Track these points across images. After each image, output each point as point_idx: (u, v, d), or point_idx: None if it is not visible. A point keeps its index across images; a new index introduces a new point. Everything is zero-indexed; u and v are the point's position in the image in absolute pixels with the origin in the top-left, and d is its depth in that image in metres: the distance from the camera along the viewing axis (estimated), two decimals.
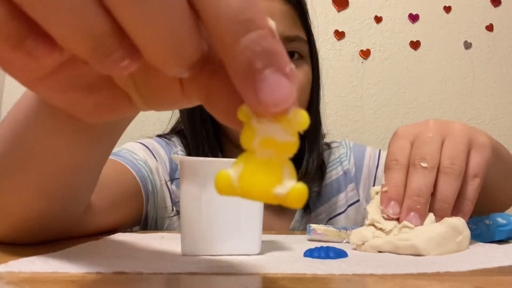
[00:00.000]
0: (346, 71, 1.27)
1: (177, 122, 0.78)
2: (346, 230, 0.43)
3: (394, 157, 0.40)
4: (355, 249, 0.38)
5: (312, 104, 0.67)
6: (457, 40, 1.30)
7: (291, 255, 0.34)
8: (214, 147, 0.65)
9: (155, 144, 0.67)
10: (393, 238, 0.36)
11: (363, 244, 0.38)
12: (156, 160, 0.63)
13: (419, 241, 0.35)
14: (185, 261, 0.30)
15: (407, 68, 1.28)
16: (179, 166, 0.34)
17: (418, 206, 0.37)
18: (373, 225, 0.39)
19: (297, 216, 0.67)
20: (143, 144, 0.65)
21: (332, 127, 1.25)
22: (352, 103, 1.26)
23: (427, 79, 1.28)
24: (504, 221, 0.41)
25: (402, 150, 0.40)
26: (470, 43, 1.30)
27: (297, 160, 0.66)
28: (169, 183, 0.64)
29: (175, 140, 0.72)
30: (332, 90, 1.26)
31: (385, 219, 0.38)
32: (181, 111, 0.72)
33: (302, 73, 0.63)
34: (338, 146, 0.77)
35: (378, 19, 1.28)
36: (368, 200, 0.69)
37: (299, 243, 0.41)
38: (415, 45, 1.28)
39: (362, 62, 1.27)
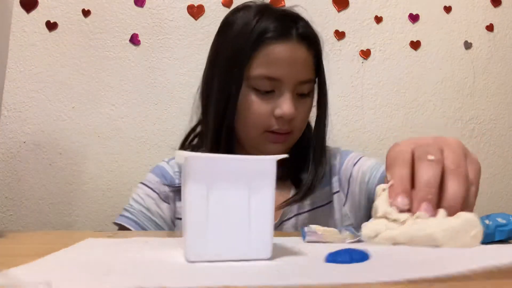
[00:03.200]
0: (346, 71, 1.27)
1: (193, 134, 0.85)
2: (346, 230, 0.43)
3: (396, 156, 0.41)
4: (365, 241, 0.38)
5: (320, 129, 0.81)
6: (457, 40, 1.30)
7: (309, 260, 0.31)
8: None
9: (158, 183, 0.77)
10: (409, 229, 0.36)
11: (376, 236, 0.37)
12: (161, 197, 0.75)
13: (437, 231, 0.34)
14: (192, 271, 0.28)
15: (407, 68, 1.28)
16: (183, 164, 0.32)
17: (430, 196, 0.37)
18: (385, 217, 0.38)
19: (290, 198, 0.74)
20: (148, 195, 0.75)
21: (332, 127, 1.25)
22: (352, 103, 1.26)
23: (427, 79, 1.28)
24: (504, 221, 0.41)
25: (404, 152, 0.42)
26: (470, 43, 1.30)
27: (300, 172, 0.78)
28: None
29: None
30: (332, 90, 1.26)
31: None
32: (206, 123, 0.78)
33: (305, 107, 0.76)
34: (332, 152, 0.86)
35: (378, 19, 1.28)
36: (344, 193, 0.78)
37: (308, 245, 0.39)
38: (415, 45, 1.28)
39: (362, 62, 1.27)
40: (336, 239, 0.42)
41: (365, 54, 1.27)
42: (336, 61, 1.27)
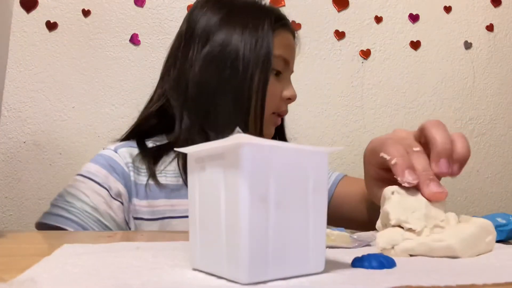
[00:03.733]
0: (346, 71, 1.27)
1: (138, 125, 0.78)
2: (356, 234, 0.42)
3: (382, 141, 0.43)
4: (370, 245, 0.37)
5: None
6: (457, 40, 1.30)
7: (336, 264, 0.29)
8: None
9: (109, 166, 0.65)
10: (427, 240, 0.34)
11: (393, 248, 0.35)
12: (111, 195, 0.62)
13: (455, 242, 0.33)
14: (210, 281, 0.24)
15: (407, 68, 1.28)
16: (188, 160, 0.26)
17: (431, 177, 0.38)
18: (400, 226, 0.36)
19: None
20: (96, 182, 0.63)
21: (332, 127, 1.25)
22: (352, 103, 1.26)
23: (427, 79, 1.28)
24: (504, 221, 0.41)
25: (393, 139, 0.43)
26: (470, 43, 1.30)
27: None
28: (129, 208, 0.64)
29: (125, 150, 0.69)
30: (332, 90, 1.26)
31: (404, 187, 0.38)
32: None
33: None
34: None
35: (378, 19, 1.28)
36: None
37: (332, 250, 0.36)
38: (415, 45, 1.28)
39: (362, 62, 1.27)
40: (349, 243, 0.40)
41: (365, 54, 1.27)
42: (336, 61, 1.27)
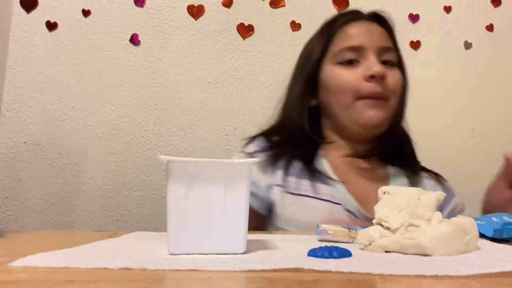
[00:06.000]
0: None
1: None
2: (356, 230, 0.43)
3: None
4: (362, 249, 0.38)
5: (403, 101, 0.84)
6: (457, 40, 1.30)
7: (295, 253, 0.34)
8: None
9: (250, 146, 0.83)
10: (400, 237, 0.36)
11: (370, 244, 0.37)
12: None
13: (425, 240, 0.34)
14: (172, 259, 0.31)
15: (407, 68, 1.28)
16: (166, 167, 0.35)
17: None
18: (380, 224, 0.38)
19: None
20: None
21: None
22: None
23: (427, 79, 1.28)
24: (510, 220, 0.41)
25: None
26: (470, 43, 1.30)
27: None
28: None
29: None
30: None
31: None
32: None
33: (396, 75, 0.81)
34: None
35: None
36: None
37: (308, 242, 0.41)
38: (415, 45, 1.28)
39: None
40: (346, 239, 0.42)
41: None
42: None
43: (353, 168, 0.80)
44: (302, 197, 0.74)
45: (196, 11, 1.23)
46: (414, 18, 1.29)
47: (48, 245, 0.37)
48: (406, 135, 0.87)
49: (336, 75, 0.79)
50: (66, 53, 1.19)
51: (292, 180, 0.76)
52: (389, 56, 0.81)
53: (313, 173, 0.76)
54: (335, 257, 0.31)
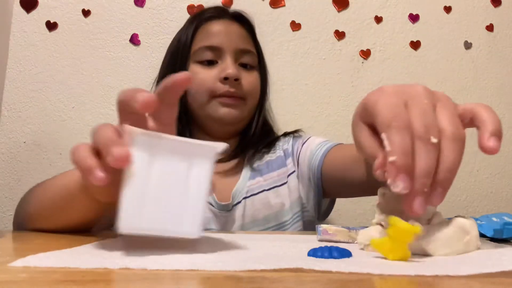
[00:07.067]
0: (346, 71, 1.27)
1: None
2: (356, 230, 0.43)
3: (393, 113, 0.34)
4: (362, 249, 0.38)
5: (262, 100, 0.87)
6: (457, 40, 1.30)
7: (295, 253, 0.34)
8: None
9: None
10: None
11: (370, 244, 0.37)
12: None
13: (426, 241, 0.34)
14: (200, 257, 0.30)
15: (407, 68, 1.28)
16: (129, 138, 0.32)
17: (426, 190, 0.32)
18: (380, 224, 0.38)
19: (243, 178, 0.79)
20: None
21: (332, 127, 1.25)
22: (352, 103, 1.26)
23: (427, 79, 1.28)
24: (510, 220, 0.41)
25: (399, 108, 0.34)
26: (470, 43, 1.30)
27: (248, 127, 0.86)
28: None
29: None
30: (332, 90, 1.26)
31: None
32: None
33: (252, 77, 0.83)
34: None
35: (378, 19, 1.28)
36: (300, 173, 0.81)
37: (308, 242, 0.41)
38: (415, 45, 1.28)
39: (362, 62, 1.27)
40: (346, 239, 0.42)
41: (365, 54, 1.27)
42: (336, 61, 1.27)
43: None
44: None
45: (196, 11, 1.23)
46: (414, 18, 1.29)
47: (48, 245, 0.37)
48: (268, 130, 0.89)
49: (194, 74, 0.80)
50: (66, 53, 1.19)
51: None
52: (247, 59, 0.83)
53: None
54: (335, 257, 0.31)
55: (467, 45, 1.30)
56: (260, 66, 0.88)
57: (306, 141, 0.84)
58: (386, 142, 0.33)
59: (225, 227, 0.76)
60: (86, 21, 1.20)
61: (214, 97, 0.79)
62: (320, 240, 0.43)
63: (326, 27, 1.27)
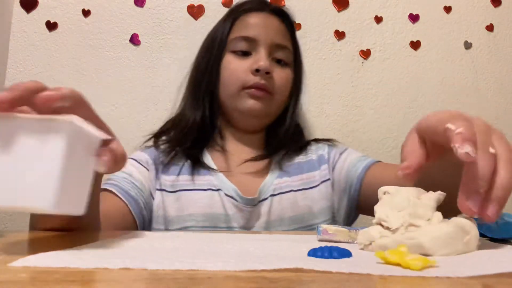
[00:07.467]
0: (346, 71, 1.27)
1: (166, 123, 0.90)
2: (356, 230, 0.43)
3: (460, 120, 0.37)
4: (362, 249, 0.38)
5: (293, 97, 0.87)
6: (457, 40, 1.30)
7: (295, 253, 0.34)
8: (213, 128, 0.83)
9: (140, 154, 0.81)
10: (400, 237, 0.36)
11: (370, 244, 0.37)
12: (144, 166, 0.78)
13: (425, 240, 0.34)
14: (204, 258, 0.31)
15: (407, 68, 1.28)
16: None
17: (481, 190, 0.35)
18: (380, 224, 0.38)
19: (270, 176, 0.79)
20: (131, 158, 0.79)
21: (332, 127, 1.25)
22: (352, 103, 1.26)
23: (427, 79, 1.28)
24: (511, 220, 0.41)
25: (465, 121, 0.37)
26: (470, 43, 1.30)
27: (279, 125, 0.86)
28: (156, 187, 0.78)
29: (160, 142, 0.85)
30: (332, 90, 1.26)
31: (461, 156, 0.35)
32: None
33: (284, 74, 0.82)
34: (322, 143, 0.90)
35: (378, 19, 1.28)
36: (335, 182, 0.82)
37: (308, 242, 0.41)
38: (415, 45, 1.28)
39: (362, 62, 1.27)
40: (346, 239, 0.42)
41: (365, 54, 1.27)
42: (336, 61, 1.27)
43: (235, 157, 0.82)
44: (181, 192, 0.76)
45: (196, 11, 1.23)
46: (414, 18, 1.29)
47: (48, 245, 0.37)
48: (299, 132, 0.89)
49: (227, 63, 0.81)
50: (66, 53, 1.19)
51: (169, 178, 0.77)
52: (282, 55, 0.82)
53: (193, 167, 0.78)
54: (335, 257, 0.31)
55: (467, 45, 1.30)
56: (296, 65, 0.87)
57: (343, 151, 0.84)
58: (451, 126, 0.36)
59: (249, 223, 0.74)
60: (86, 21, 1.20)
61: (244, 89, 0.79)
62: (320, 240, 0.43)
63: (326, 27, 1.27)
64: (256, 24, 0.81)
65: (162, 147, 0.82)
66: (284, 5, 1.24)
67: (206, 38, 0.88)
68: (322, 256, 0.31)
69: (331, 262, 0.30)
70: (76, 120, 0.34)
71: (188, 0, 1.23)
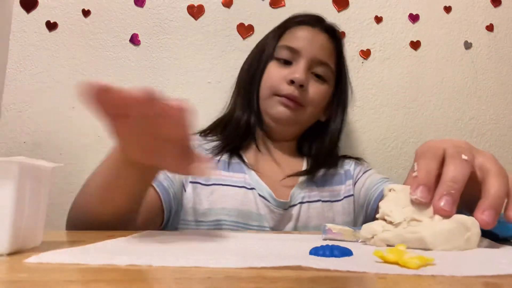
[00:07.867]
0: None
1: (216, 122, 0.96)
2: (355, 229, 0.43)
3: (427, 150, 0.41)
4: (364, 242, 0.38)
5: (336, 114, 0.91)
6: (457, 40, 1.30)
7: (297, 252, 0.34)
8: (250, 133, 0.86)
9: None
10: (402, 231, 0.36)
11: (373, 237, 0.38)
12: None
13: (426, 235, 0.34)
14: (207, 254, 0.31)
15: (407, 68, 1.28)
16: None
17: (452, 191, 0.36)
18: (384, 219, 0.39)
19: (300, 183, 0.81)
20: None
21: None
22: (352, 103, 1.26)
23: (427, 79, 1.28)
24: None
25: (436, 148, 0.41)
26: (470, 43, 1.30)
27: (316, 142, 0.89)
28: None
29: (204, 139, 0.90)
30: None
31: (413, 204, 0.38)
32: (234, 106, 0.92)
33: (319, 89, 0.84)
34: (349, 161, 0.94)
35: (378, 19, 1.28)
36: (355, 197, 0.85)
37: (312, 241, 0.41)
38: (415, 45, 1.28)
39: (362, 62, 1.27)
40: (351, 238, 0.43)
41: (365, 54, 1.27)
42: None
43: (268, 158, 0.86)
44: (215, 186, 0.78)
45: (196, 11, 1.23)
46: (414, 18, 1.29)
47: (48, 245, 0.37)
48: (335, 150, 0.92)
49: (269, 68, 0.84)
50: (66, 53, 1.19)
51: None
52: (321, 71, 0.85)
53: (229, 163, 0.81)
54: (336, 256, 0.32)
55: (467, 45, 1.30)
56: (338, 83, 0.90)
57: (368, 170, 0.88)
58: (415, 167, 0.40)
59: (279, 224, 0.77)
60: (86, 21, 1.20)
61: (276, 95, 0.82)
62: (325, 239, 0.43)
63: None
64: (303, 37, 0.84)
65: (206, 145, 0.85)
66: (284, 5, 1.24)
67: (259, 41, 0.93)
68: (323, 255, 0.32)
69: (331, 260, 0.30)
70: (24, 159, 0.35)
71: (188, 0, 1.23)
